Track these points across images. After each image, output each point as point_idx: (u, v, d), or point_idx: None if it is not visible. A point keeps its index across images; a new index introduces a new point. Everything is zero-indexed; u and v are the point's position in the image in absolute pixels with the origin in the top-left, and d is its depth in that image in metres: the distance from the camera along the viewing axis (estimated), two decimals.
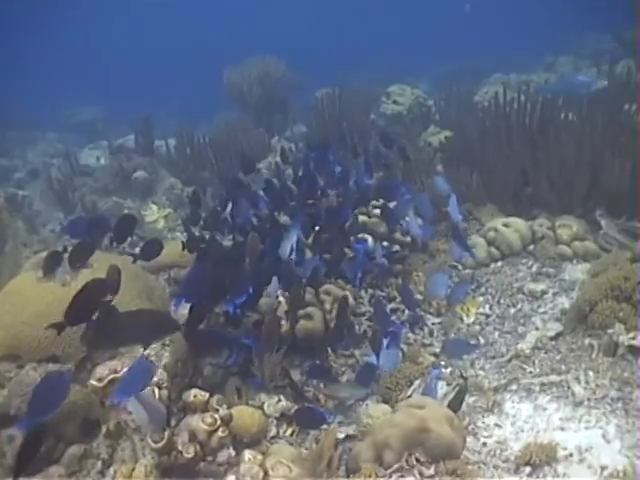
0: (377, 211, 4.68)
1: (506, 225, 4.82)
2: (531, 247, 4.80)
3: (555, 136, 4.98)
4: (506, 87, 8.64)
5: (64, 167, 8.35)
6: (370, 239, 4.57)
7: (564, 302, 4.22)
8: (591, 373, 3.34)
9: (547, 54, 12.23)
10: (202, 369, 3.86)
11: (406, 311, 4.28)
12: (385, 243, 4.58)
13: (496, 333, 4.08)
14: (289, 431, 3.46)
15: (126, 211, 6.61)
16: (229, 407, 3.08)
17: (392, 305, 4.36)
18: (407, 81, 16.64)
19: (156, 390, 2.77)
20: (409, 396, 3.45)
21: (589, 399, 3.19)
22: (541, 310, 4.20)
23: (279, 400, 3.54)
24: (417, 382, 3.53)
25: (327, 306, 4.00)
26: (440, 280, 3.95)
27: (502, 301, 4.38)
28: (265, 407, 3.52)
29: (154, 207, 6.79)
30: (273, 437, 3.41)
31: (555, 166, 4.88)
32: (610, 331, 3.54)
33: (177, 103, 18.73)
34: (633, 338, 3.45)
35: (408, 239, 4.68)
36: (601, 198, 4.88)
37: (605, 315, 3.63)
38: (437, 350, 3.95)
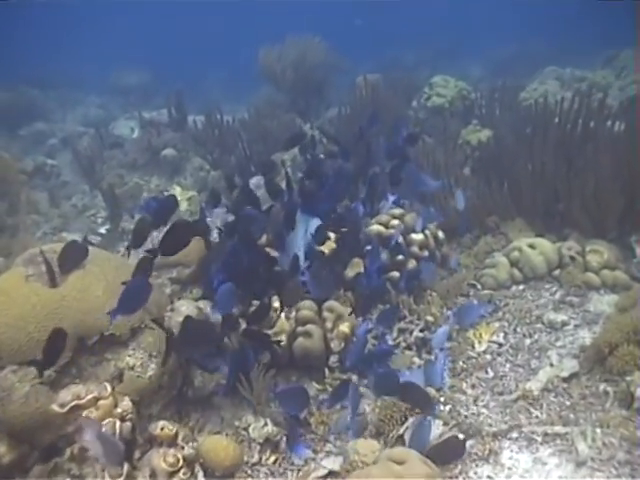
0: (396, 222, 4.42)
1: (532, 246, 4.53)
2: (557, 272, 4.49)
3: (592, 154, 4.63)
4: (557, 83, 8.41)
5: (95, 138, 8.21)
6: (385, 252, 4.33)
7: (585, 336, 3.93)
8: (599, 430, 3.07)
9: (608, 47, 11.60)
10: (193, 379, 3.71)
11: (414, 333, 4.04)
12: (400, 257, 4.32)
13: (507, 366, 3.82)
14: (272, 458, 3.28)
15: (145, 194, 6.46)
16: (207, 434, 2.92)
17: (400, 324, 4.11)
18: (459, 64, 16.44)
19: (118, 423, 2.59)
20: (400, 435, 3.24)
21: (593, 459, 2.93)
22: (559, 344, 3.92)
23: (265, 424, 3.36)
24: (411, 420, 3.29)
25: (328, 324, 3.79)
26: (470, 310, 3.74)
27: (518, 329, 4.11)
28: (250, 430, 3.36)
29: (178, 188, 6.62)
30: (254, 464, 3.24)
31: (589, 186, 4.54)
32: (628, 379, 3.28)
33: (227, 70, 18.61)
34: None
35: (426, 253, 4.41)
36: (638, 223, 4.54)
37: (625, 361, 3.35)
38: None
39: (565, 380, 3.53)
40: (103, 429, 2.46)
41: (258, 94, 9.50)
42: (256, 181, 6.09)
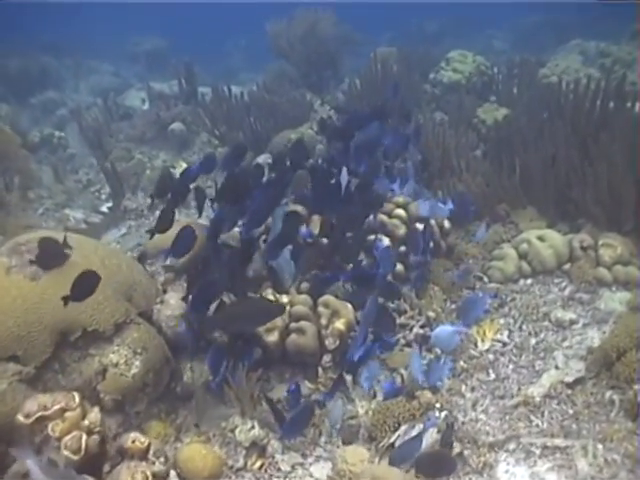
0: (400, 211, 4.22)
1: (541, 238, 4.31)
2: (567, 266, 4.28)
3: (607, 144, 4.38)
4: (580, 59, 8.09)
5: (103, 109, 8.05)
6: (387, 241, 4.14)
7: (594, 337, 3.75)
8: (600, 446, 2.90)
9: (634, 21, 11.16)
10: (182, 375, 3.59)
11: (414, 329, 3.87)
12: (403, 247, 4.13)
13: (510, 367, 3.65)
14: (258, 463, 3.15)
15: (148, 172, 6.29)
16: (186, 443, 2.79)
17: (401, 319, 3.94)
18: (484, 34, 16.04)
19: (84, 436, 2.45)
20: (392, 444, 3.09)
21: (593, 478, 2.76)
22: (566, 344, 3.73)
23: (252, 427, 3.22)
24: (404, 428, 3.15)
25: (323, 321, 3.62)
26: (474, 304, 3.53)
27: (524, 327, 3.93)
28: (236, 433, 3.22)
29: (184, 165, 6.44)
30: (239, 469, 3.11)
31: (603, 177, 4.30)
32: (636, 387, 3.11)
33: (247, 38, 18.29)
34: None
35: (430, 245, 4.21)
36: None
37: (633, 368, 3.17)
38: (438, 384, 3.52)
39: (569, 385, 3.35)
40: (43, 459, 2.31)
41: (271, 66, 9.24)
42: (264, 159, 5.92)
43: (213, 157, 4.03)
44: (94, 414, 2.53)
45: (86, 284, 2.88)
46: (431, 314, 3.92)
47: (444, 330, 3.35)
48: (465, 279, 4.14)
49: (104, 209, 5.93)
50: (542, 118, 5.19)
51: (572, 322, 3.87)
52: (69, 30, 14.87)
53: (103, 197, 6.31)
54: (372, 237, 4.12)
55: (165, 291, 4.04)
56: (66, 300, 2.81)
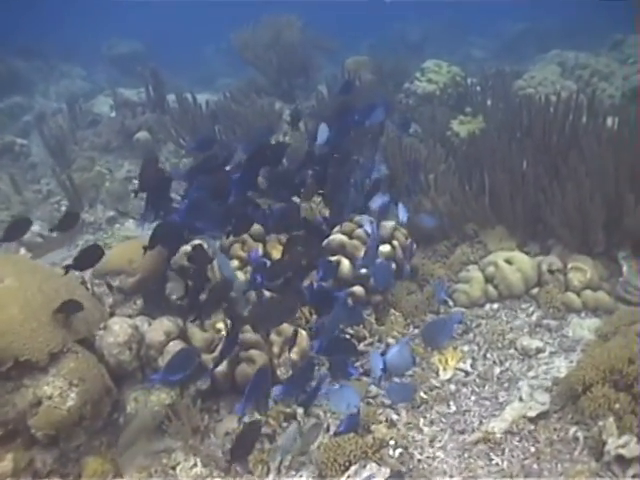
0: (361, 231, 4.03)
1: (509, 261, 4.14)
2: (535, 290, 4.11)
3: (574, 164, 4.22)
4: (559, 70, 7.96)
5: (69, 115, 7.81)
6: (347, 264, 3.95)
7: (560, 366, 3.58)
8: None
9: (617, 30, 11.05)
10: (125, 405, 3.38)
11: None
12: (364, 270, 3.94)
13: (472, 398, 3.47)
14: None
15: (108, 184, 6.06)
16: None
17: (361, 346, 3.75)
18: (466, 42, 15.94)
19: None
20: None
21: None
22: (531, 374, 3.56)
23: (195, 465, 3.02)
24: (354, 468, 2.94)
25: (275, 349, 3.43)
26: (439, 327, 3.35)
27: (489, 355, 3.75)
28: (177, 470, 3.01)
29: None
30: None
31: (571, 199, 4.13)
32: (601, 424, 2.92)
33: (228, 41, 18.04)
34: (624, 446, 2.80)
35: (392, 266, 4.03)
36: (625, 238, 4.14)
37: (598, 404, 2.99)
38: (395, 417, 3.34)
39: (532, 420, 3.17)
40: None
41: (243, 75, 9.04)
42: None
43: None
44: (6, 462, 2.32)
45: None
46: (391, 341, 3.72)
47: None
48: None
49: None
50: (513, 134, 5.01)
51: (539, 350, 3.70)
52: (43, 31, 14.55)
53: (63, 209, 6.07)
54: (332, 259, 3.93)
55: (113, 314, 3.85)
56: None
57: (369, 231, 3.93)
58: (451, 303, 4.19)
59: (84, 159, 6.83)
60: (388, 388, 3.27)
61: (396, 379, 3.56)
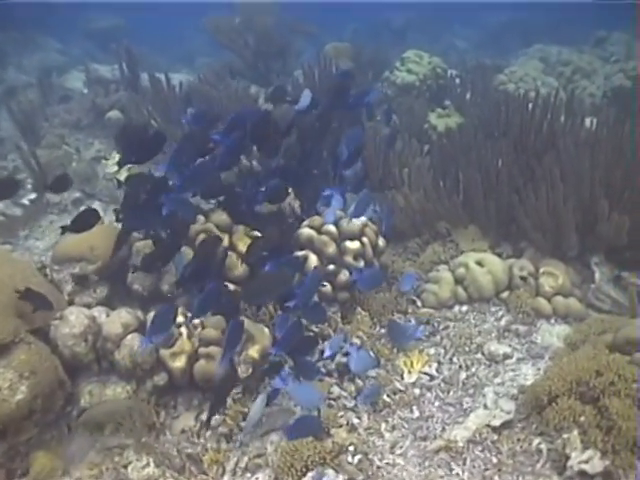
0: (330, 227, 3.93)
1: (480, 263, 4.06)
2: (505, 294, 4.04)
3: (549, 166, 4.14)
4: (540, 66, 7.88)
5: (39, 90, 7.60)
6: (314, 259, 3.85)
7: (527, 374, 3.51)
8: None
9: (600, 27, 11.00)
10: (79, 398, 3.27)
11: (337, 357, 3.58)
12: (331, 267, 3.84)
13: (436, 403, 3.39)
14: None
15: (75, 164, 5.89)
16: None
17: (324, 345, 3.64)
18: (449, 31, 15.83)
19: None
20: None
21: None
22: (497, 380, 3.49)
23: (147, 464, 2.92)
24: (310, 475, 2.85)
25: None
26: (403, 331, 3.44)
27: (455, 359, 3.67)
28: (129, 470, 2.91)
29: (117, 156, 6.05)
30: None
31: (543, 202, 4.06)
32: (565, 436, 2.85)
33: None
34: (587, 461, 2.74)
35: (361, 264, 3.93)
36: (599, 244, 4.08)
37: (563, 416, 2.92)
38: (356, 420, 3.25)
39: (496, 430, 3.09)
40: None
41: (222, 54, 8.85)
42: None
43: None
44: None
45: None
46: (357, 341, 3.63)
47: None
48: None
49: (25, 201, 5.52)
50: (490, 132, 4.92)
51: (506, 356, 3.63)
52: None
53: (29, 187, 5.89)
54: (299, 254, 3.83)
55: (72, 302, 3.73)
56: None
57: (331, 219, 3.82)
58: (419, 303, 4.11)
59: (53, 136, 6.65)
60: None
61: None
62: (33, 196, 5.59)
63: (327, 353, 3.39)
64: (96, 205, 5.40)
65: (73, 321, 3.30)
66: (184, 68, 12.09)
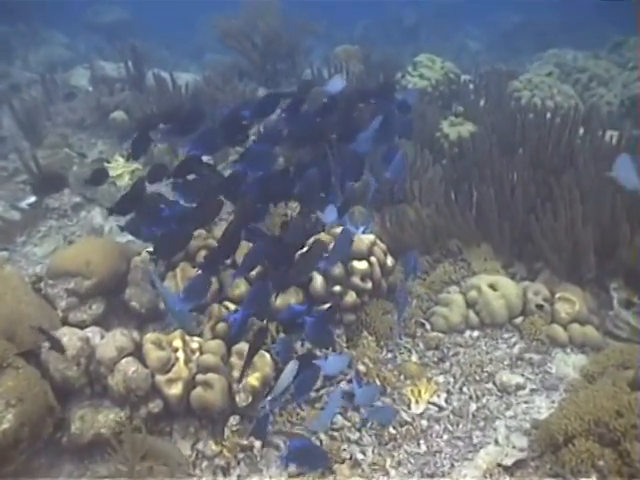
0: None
1: (493, 286, 3.88)
2: (519, 319, 3.86)
3: (568, 186, 3.96)
4: (556, 72, 7.68)
5: (44, 87, 7.43)
6: (320, 280, 3.68)
7: (541, 407, 3.34)
8: None
9: (617, 32, 10.78)
10: (69, 424, 3.10)
11: (341, 384, 3.42)
12: (337, 288, 3.67)
13: (445, 437, 3.22)
14: None
15: (75, 167, 5.72)
16: None
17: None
18: (461, 30, 15.62)
19: None
20: None
21: None
22: (509, 413, 3.32)
23: None
24: None
25: (236, 373, 3.16)
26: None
27: (465, 389, 3.50)
28: None
29: (120, 160, 5.89)
30: None
31: (562, 223, 3.88)
32: None
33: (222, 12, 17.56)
34: None
35: (369, 285, 3.76)
36: (618, 268, 3.90)
37: (581, 459, 2.74)
38: (360, 456, 3.08)
39: (508, 469, 2.92)
40: None
41: (230, 51, 8.66)
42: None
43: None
44: None
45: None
46: (361, 367, 3.46)
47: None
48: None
49: (24, 205, 5.36)
50: (504, 143, 4.73)
51: (519, 387, 3.46)
52: None
53: (29, 188, 5.73)
54: None
55: (66, 318, 3.57)
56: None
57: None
58: (428, 326, 3.93)
59: (56, 136, 6.49)
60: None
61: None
62: (32, 199, 5.43)
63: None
64: (97, 211, 5.23)
65: (65, 343, 3.14)
66: (192, 64, 11.94)
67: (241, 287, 3.60)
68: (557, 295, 3.83)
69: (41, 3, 12.45)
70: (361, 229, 3.79)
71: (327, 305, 3.53)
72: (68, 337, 3.18)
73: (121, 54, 7.76)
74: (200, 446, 3.14)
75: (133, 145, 3.77)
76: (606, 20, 12.76)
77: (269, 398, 3.15)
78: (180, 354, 3.19)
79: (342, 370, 3.33)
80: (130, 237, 4.14)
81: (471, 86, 7.06)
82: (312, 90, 3.82)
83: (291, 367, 2.94)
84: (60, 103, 7.44)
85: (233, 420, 3.13)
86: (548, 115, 4.78)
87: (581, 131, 4.69)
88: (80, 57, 10.67)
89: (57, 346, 3.06)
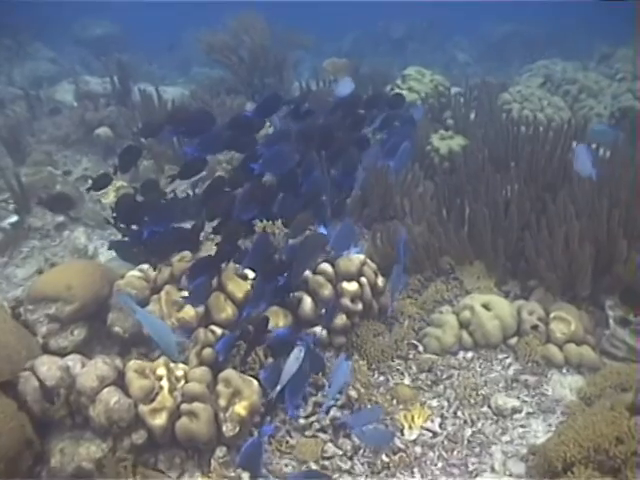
0: (326, 266, 3.66)
1: (487, 306, 3.78)
2: (513, 340, 3.76)
3: (564, 202, 3.88)
4: (546, 81, 7.63)
5: (28, 102, 7.31)
6: (309, 302, 3.58)
7: (537, 431, 3.24)
8: None
9: (605, 43, 10.78)
10: (50, 457, 2.98)
11: (331, 411, 3.30)
12: (323, 310, 3.57)
13: (439, 464, 3.11)
14: None
15: (59, 186, 5.59)
16: None
17: (318, 397, 3.36)
18: (449, 42, 15.61)
19: None
20: None
21: None
22: (505, 438, 3.21)
23: None
24: None
25: (222, 402, 3.04)
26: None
27: (460, 413, 3.39)
28: None
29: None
30: None
31: (558, 241, 3.79)
32: None
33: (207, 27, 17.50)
34: None
35: (359, 306, 3.66)
36: (614, 285, 3.81)
37: None
38: None
39: None
40: None
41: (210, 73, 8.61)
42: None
43: None
44: None
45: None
46: (353, 393, 3.34)
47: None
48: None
49: (6, 225, 5.23)
50: (496, 158, 4.65)
51: (514, 410, 3.36)
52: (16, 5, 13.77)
53: (11, 207, 5.60)
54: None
55: (47, 345, 3.45)
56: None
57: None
58: (421, 348, 3.82)
59: (40, 153, 6.37)
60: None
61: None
62: (14, 219, 5.30)
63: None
64: (80, 231, 5.12)
65: (44, 373, 3.02)
66: (180, 77, 11.85)
67: (228, 310, 3.48)
68: (552, 314, 3.73)
69: (27, 17, 12.31)
70: (353, 250, 3.69)
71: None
72: (47, 367, 3.06)
73: (107, 68, 7.66)
74: (186, 478, 3.01)
75: (120, 159, 3.72)
76: (601, 23, 12.76)
77: (278, 388, 3.05)
78: (164, 382, 3.08)
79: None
80: (114, 257, 4.05)
81: (461, 99, 6.97)
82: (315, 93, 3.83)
83: (296, 354, 2.92)
84: (44, 119, 7.33)
85: (219, 452, 3.00)
86: (540, 128, 4.69)
87: (574, 144, 4.61)
88: (66, 72, 10.55)
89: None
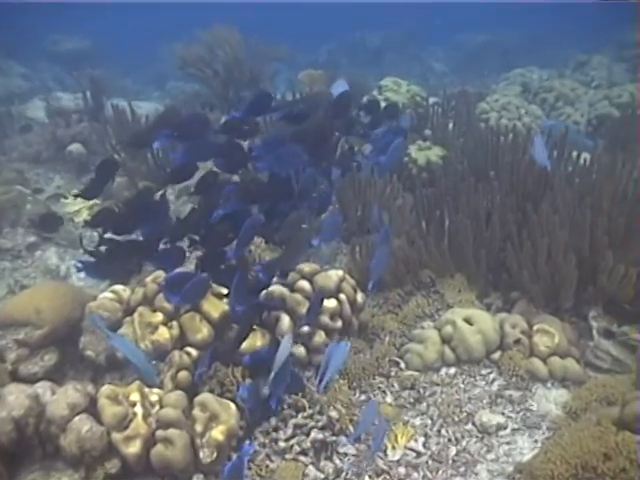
0: (304, 283, 3.57)
1: (469, 321, 3.70)
2: (497, 354, 3.68)
3: (546, 213, 3.82)
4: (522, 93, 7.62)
5: None
6: (287, 321, 3.48)
7: (523, 447, 3.16)
8: None
9: (580, 50, 10.85)
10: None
11: (312, 433, 3.20)
12: (306, 328, 3.48)
13: None
14: None
15: (29, 206, 5.46)
16: None
17: (298, 419, 3.25)
18: (425, 52, 15.65)
19: None
20: None
21: None
22: (491, 456, 3.13)
23: None
24: None
25: (198, 427, 2.94)
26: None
27: (443, 431, 3.30)
28: None
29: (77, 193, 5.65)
30: None
31: (541, 252, 3.73)
32: None
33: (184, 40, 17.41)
34: None
35: (339, 324, 3.57)
36: (598, 296, 3.75)
37: None
38: None
39: None
40: None
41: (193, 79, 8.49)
42: None
43: None
44: None
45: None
46: (334, 414, 3.24)
47: None
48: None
49: None
50: (476, 168, 4.59)
51: (499, 427, 3.28)
52: None
53: None
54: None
55: (16, 371, 3.34)
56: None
57: None
58: (403, 365, 3.74)
59: (11, 171, 6.23)
60: None
61: None
62: None
63: None
64: (52, 251, 5.00)
65: (12, 403, 2.89)
66: (156, 91, 11.75)
67: (204, 331, 3.38)
68: (535, 327, 3.66)
69: None
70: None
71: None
72: (15, 395, 2.94)
73: (79, 84, 7.54)
74: None
75: (97, 172, 3.54)
76: (575, 30, 12.87)
77: (272, 375, 2.95)
78: (138, 408, 2.97)
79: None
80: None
81: (439, 109, 6.92)
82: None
83: (286, 342, 2.88)
84: (15, 136, 7.19)
85: (197, 479, 2.90)
86: (520, 138, 4.65)
87: (555, 153, 4.58)
88: (38, 88, 10.43)
89: None
